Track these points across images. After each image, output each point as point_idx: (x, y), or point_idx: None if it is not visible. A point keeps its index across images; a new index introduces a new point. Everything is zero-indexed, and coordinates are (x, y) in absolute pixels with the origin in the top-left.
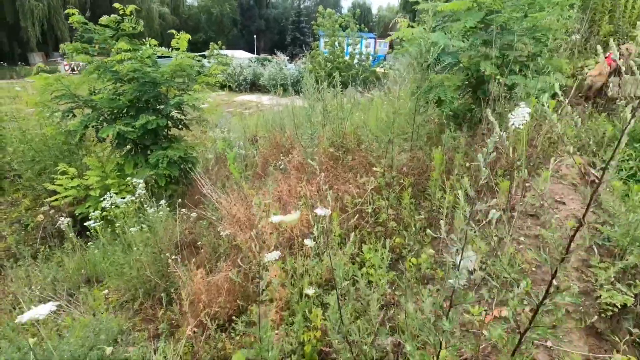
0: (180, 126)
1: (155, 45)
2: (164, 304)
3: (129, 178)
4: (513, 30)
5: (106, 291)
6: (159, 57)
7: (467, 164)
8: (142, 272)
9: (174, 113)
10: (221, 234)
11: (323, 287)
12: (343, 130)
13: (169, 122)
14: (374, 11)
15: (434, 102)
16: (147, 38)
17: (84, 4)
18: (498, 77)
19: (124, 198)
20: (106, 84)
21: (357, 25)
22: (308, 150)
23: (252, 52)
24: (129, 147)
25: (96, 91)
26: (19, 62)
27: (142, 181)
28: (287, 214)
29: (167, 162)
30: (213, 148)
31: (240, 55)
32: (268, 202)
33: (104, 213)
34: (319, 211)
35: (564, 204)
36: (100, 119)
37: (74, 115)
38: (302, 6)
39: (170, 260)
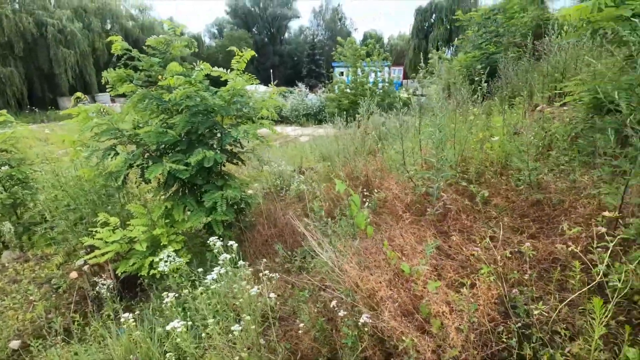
0: (235, 160)
1: (205, 69)
2: None
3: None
4: None
5: None
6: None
7: None
8: None
9: (229, 146)
10: (340, 314)
11: None
12: (463, 155)
13: (224, 157)
14: (385, 40)
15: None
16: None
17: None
18: None
19: (175, 255)
20: (152, 116)
21: (382, 53)
22: (418, 183)
23: (269, 86)
24: (175, 188)
25: (141, 124)
26: (49, 107)
27: (233, 243)
28: None
29: (225, 205)
30: (271, 183)
31: (262, 89)
32: (423, 268)
33: (154, 271)
34: None
35: None
36: (146, 156)
37: (117, 154)
38: (315, 40)
39: None
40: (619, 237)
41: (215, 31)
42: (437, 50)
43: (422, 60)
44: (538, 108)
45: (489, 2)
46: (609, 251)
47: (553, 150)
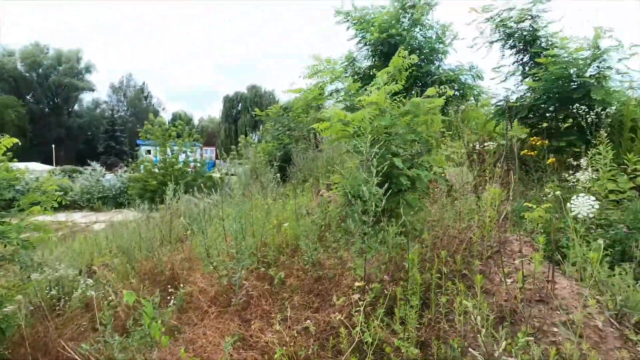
0: None
1: None
2: None
3: None
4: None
5: None
6: None
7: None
8: None
9: None
10: None
11: None
12: (262, 241)
13: None
14: (196, 122)
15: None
16: None
17: None
18: (407, 172)
19: None
20: None
21: (194, 133)
22: (222, 273)
23: (50, 164)
24: None
25: None
26: None
27: None
28: None
29: None
30: (42, 295)
31: (36, 168)
32: None
33: None
34: None
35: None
36: None
37: None
38: (116, 115)
39: None
40: (366, 301)
41: None
42: (246, 135)
43: (232, 143)
44: (320, 193)
45: (284, 98)
46: (362, 313)
47: (331, 229)
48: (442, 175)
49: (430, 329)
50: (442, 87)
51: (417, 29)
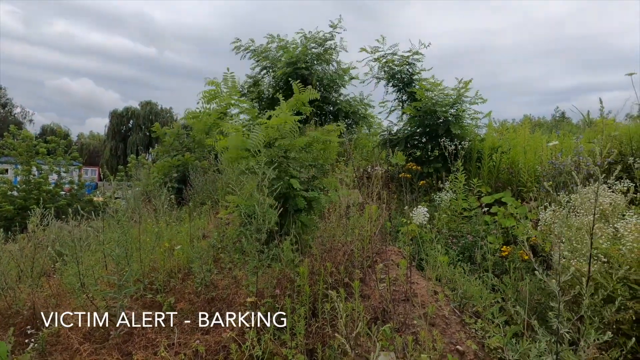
0: None
1: None
2: None
3: None
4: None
5: None
6: None
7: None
8: None
9: None
10: None
11: None
12: (151, 266)
13: None
14: (74, 137)
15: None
16: None
17: None
18: (304, 193)
19: None
20: None
21: (73, 151)
22: (100, 304)
23: None
24: None
25: None
26: None
27: None
28: None
29: None
30: None
31: None
32: None
33: None
34: None
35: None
36: None
37: None
38: None
39: None
40: (257, 315)
41: None
42: (137, 154)
43: (120, 163)
44: (217, 215)
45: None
46: (253, 329)
47: (227, 249)
48: (337, 196)
49: (317, 336)
50: (340, 121)
51: (318, 64)
